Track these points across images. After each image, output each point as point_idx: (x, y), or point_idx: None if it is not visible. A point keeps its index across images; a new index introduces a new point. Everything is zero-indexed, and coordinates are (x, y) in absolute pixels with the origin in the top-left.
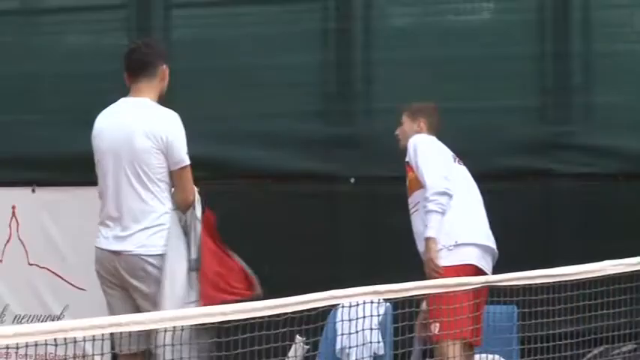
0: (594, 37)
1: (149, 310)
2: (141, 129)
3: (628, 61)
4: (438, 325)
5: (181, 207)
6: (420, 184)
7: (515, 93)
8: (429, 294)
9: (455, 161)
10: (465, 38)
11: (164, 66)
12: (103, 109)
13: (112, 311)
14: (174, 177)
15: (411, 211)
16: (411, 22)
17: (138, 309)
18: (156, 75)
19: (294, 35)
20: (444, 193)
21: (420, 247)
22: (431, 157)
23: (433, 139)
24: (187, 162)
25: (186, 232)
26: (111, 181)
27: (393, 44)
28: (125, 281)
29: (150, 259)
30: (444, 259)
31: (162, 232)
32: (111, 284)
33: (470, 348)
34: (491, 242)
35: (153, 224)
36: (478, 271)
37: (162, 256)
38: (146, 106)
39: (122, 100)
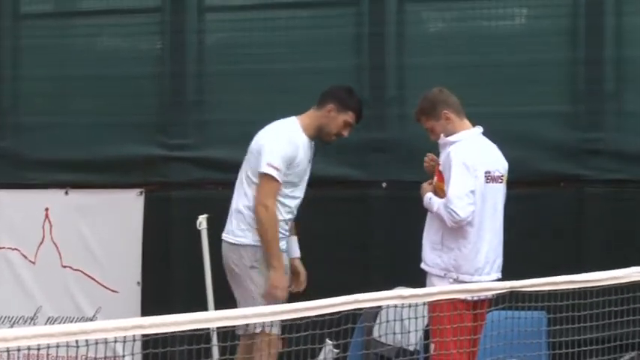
0: (627, 43)
1: None
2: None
3: None
4: (433, 345)
5: None
6: (444, 194)
7: (547, 99)
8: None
9: (486, 180)
10: (498, 43)
11: (330, 105)
12: (137, 111)
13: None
14: None
15: (429, 215)
16: (444, 27)
17: None
18: (321, 109)
19: (327, 40)
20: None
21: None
22: (461, 179)
23: (469, 157)
24: (263, 170)
25: None
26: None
27: (426, 49)
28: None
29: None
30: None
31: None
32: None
33: None
34: (492, 276)
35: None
36: (474, 305)
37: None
38: (279, 121)
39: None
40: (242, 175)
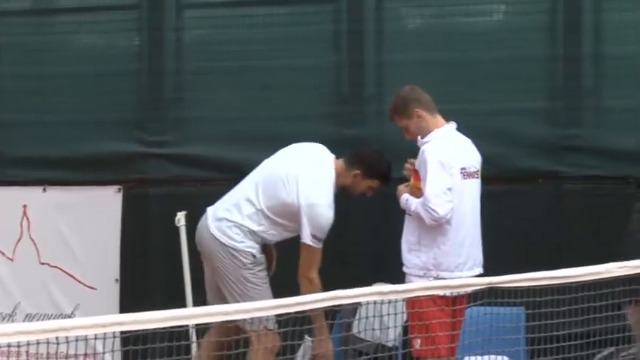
0: (605, 39)
1: None
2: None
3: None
4: (419, 340)
5: None
6: (421, 193)
7: (525, 95)
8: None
9: (463, 177)
10: (476, 40)
11: (357, 171)
12: (115, 108)
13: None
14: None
15: (406, 217)
16: (422, 24)
17: None
18: (349, 170)
19: (305, 37)
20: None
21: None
22: (437, 176)
23: (443, 155)
24: (308, 242)
25: None
26: None
27: (405, 46)
28: None
29: None
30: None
31: None
32: None
33: None
34: (475, 271)
35: None
36: (454, 301)
37: None
38: (320, 164)
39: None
40: (252, 196)
